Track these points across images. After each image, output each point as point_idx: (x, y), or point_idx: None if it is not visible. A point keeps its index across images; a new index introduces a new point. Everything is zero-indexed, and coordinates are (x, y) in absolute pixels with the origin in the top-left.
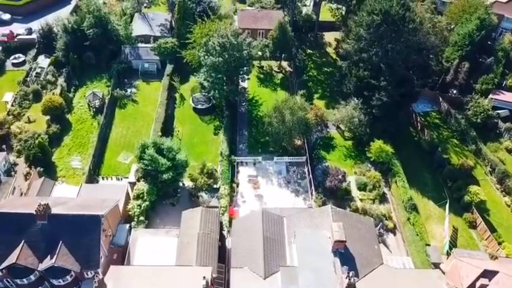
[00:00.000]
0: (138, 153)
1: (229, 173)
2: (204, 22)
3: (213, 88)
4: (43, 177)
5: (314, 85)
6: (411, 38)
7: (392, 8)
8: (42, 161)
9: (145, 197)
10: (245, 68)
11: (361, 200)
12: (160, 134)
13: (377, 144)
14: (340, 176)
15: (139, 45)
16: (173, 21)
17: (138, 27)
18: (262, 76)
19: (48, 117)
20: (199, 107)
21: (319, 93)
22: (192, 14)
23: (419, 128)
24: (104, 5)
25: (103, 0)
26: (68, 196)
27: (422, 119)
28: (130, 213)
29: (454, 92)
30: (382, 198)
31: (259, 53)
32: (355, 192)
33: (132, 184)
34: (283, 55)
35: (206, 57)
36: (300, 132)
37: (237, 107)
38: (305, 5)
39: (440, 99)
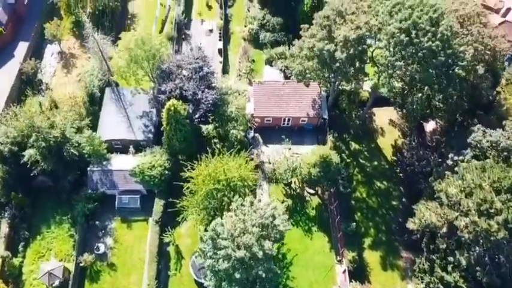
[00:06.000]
0: None
1: None
2: (208, 159)
3: None
4: None
5: (363, 219)
6: None
7: None
8: None
9: None
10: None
11: None
12: None
13: None
14: None
15: (113, 165)
16: (159, 117)
17: (110, 124)
18: (289, 201)
19: None
20: (202, 281)
21: (371, 235)
22: (188, 123)
23: None
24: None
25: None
26: None
27: None
28: None
29: None
30: None
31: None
32: None
33: None
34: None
35: (214, 257)
36: None
37: None
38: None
39: None
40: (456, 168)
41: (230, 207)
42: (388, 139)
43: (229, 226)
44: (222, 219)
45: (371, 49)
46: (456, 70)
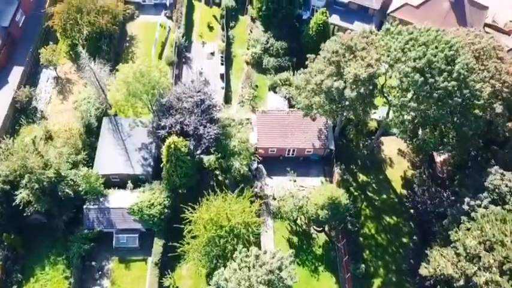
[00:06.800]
0: None
1: None
2: (209, 200)
3: None
4: None
5: (372, 257)
6: None
7: None
8: None
9: None
10: None
11: None
12: None
13: None
14: None
15: (110, 202)
16: (159, 149)
17: (108, 157)
18: (294, 239)
19: None
20: None
21: (381, 275)
22: (189, 159)
23: None
24: (50, 147)
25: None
26: None
27: None
28: None
29: None
30: None
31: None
32: None
33: None
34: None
35: None
36: None
37: None
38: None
39: None
40: (473, 214)
41: (234, 255)
42: (397, 170)
43: (233, 284)
44: (225, 268)
45: (380, 81)
46: (472, 109)
